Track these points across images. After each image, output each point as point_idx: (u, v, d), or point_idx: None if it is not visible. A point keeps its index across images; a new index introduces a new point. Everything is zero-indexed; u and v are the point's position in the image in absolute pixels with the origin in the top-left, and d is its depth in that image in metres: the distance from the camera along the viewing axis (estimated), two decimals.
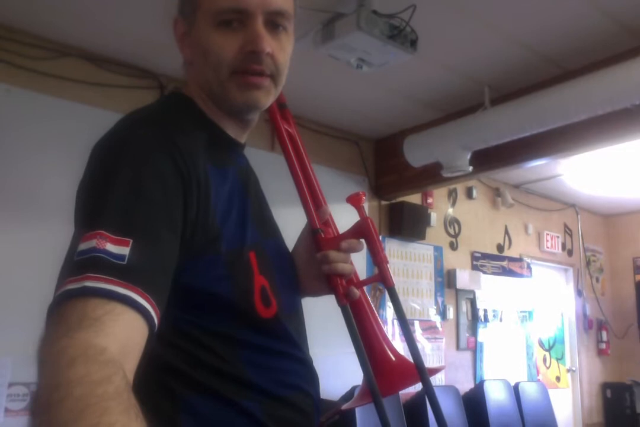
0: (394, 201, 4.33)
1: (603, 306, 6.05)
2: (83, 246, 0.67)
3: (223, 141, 0.92)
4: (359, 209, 1.05)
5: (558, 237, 5.80)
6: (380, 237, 4.19)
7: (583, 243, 6.05)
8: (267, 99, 0.90)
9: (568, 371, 5.71)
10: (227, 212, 0.85)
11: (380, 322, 1.05)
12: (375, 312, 1.05)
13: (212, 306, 0.82)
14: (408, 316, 4.26)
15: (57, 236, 2.87)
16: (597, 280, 6.19)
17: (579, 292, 5.90)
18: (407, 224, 4.26)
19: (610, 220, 6.44)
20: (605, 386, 5.86)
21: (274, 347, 0.88)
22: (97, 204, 0.71)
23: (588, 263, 6.10)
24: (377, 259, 1.00)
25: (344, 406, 1.06)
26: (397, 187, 4.19)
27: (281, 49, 0.88)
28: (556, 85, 3.00)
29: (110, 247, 0.66)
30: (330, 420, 2.91)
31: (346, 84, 3.34)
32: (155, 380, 0.78)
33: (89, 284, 0.64)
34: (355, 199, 1.05)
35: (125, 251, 0.67)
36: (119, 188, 0.72)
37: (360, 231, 1.00)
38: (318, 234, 1.00)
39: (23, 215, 2.69)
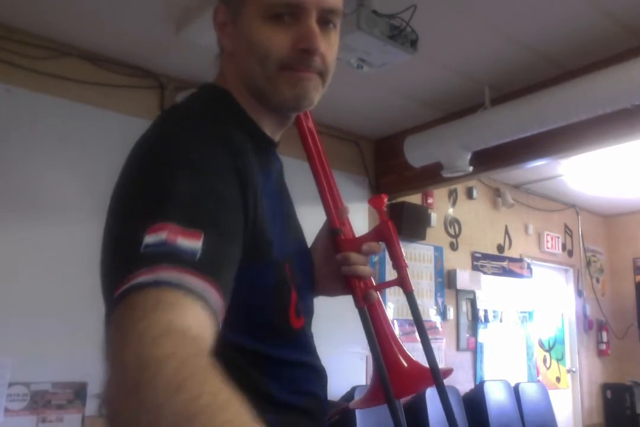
0: (394, 201, 4.32)
1: (603, 307, 6.05)
2: (151, 239, 0.62)
3: (262, 140, 0.88)
4: (381, 212, 1.02)
5: (558, 237, 5.80)
6: None
7: (583, 243, 6.04)
8: (316, 95, 0.86)
9: (568, 371, 5.71)
10: (273, 218, 0.82)
11: (392, 326, 1.04)
12: (387, 316, 1.04)
13: (246, 317, 0.79)
14: (408, 316, 4.26)
15: (57, 235, 2.89)
16: (597, 280, 6.18)
17: (579, 293, 5.90)
18: (408, 224, 4.25)
19: (611, 220, 6.43)
20: (605, 387, 5.86)
21: (293, 358, 0.86)
22: (161, 194, 0.66)
23: (588, 263, 6.09)
24: (397, 263, 0.99)
25: (353, 405, 1.05)
26: (398, 187, 4.19)
27: (330, 47, 0.85)
28: (556, 85, 3.00)
29: (181, 240, 0.62)
30: (331, 420, 2.91)
31: (346, 84, 3.33)
32: None
33: (163, 275, 0.59)
34: (377, 201, 1.03)
35: (197, 244, 0.63)
36: (185, 180, 0.68)
37: (380, 233, 0.99)
38: (338, 235, 0.98)
39: (23, 215, 2.69)
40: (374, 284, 1.01)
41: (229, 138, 0.77)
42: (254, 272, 0.77)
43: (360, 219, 4.10)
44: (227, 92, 0.87)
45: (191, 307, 0.59)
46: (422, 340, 0.99)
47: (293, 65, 0.81)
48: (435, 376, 0.95)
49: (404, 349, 1.02)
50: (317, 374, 0.92)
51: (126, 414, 0.49)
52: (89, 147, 2.92)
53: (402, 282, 0.99)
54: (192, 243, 0.62)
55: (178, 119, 0.79)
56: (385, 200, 1.04)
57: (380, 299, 1.03)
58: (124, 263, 0.62)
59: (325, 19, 0.83)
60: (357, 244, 0.97)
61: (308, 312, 0.92)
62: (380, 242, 0.99)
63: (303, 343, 0.88)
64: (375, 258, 4.06)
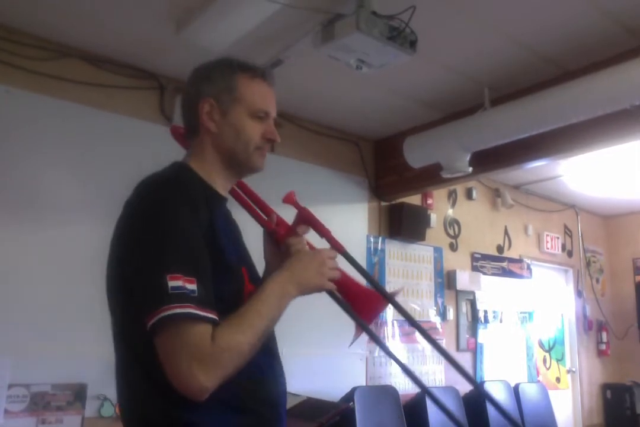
0: (393, 202, 4.33)
1: (603, 307, 6.05)
2: (173, 283, 1.04)
3: (215, 197, 1.28)
4: (295, 204, 1.36)
5: (558, 238, 5.80)
6: (380, 238, 4.19)
7: (583, 244, 6.05)
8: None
9: (568, 372, 5.71)
10: (229, 240, 1.23)
11: (352, 277, 1.35)
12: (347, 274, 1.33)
13: (218, 300, 1.13)
14: None
15: (57, 236, 2.88)
16: (597, 281, 6.18)
17: (579, 293, 5.90)
18: (407, 225, 4.25)
19: (610, 221, 6.44)
20: (605, 387, 5.86)
21: None
22: (169, 252, 1.08)
23: (588, 264, 6.09)
24: (322, 232, 1.34)
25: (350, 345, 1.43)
26: (397, 188, 4.19)
27: None
28: (556, 85, 3.00)
29: (188, 285, 1.05)
30: (331, 421, 2.91)
31: (346, 85, 3.34)
32: None
33: (189, 310, 1.04)
34: (288, 197, 1.38)
35: (194, 286, 1.06)
36: (177, 242, 1.09)
37: (303, 218, 1.34)
38: (275, 233, 1.36)
39: (23, 215, 2.69)
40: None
41: (193, 199, 1.16)
42: (221, 271, 1.15)
43: (360, 218, 4.10)
44: (189, 167, 1.27)
45: (208, 330, 1.07)
46: (365, 277, 1.37)
47: (262, 148, 1.30)
48: (384, 295, 1.35)
49: (360, 284, 1.36)
50: (277, 361, 1.26)
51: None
52: (89, 148, 2.92)
53: (333, 246, 1.31)
54: (192, 286, 1.06)
55: (161, 190, 1.16)
56: (294, 195, 1.38)
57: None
58: (158, 297, 1.04)
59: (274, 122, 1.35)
60: (291, 231, 1.33)
61: None
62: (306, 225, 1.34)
63: None
64: (375, 259, 4.08)
